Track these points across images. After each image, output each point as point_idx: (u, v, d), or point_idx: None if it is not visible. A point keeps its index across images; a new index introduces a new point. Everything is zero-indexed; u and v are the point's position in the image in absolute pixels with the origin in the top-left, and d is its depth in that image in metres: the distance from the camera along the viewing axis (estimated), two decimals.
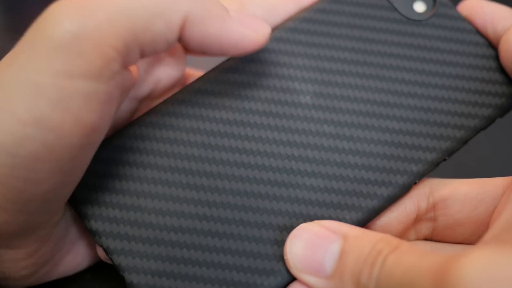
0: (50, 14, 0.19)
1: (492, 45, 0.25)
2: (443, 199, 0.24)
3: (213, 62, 0.26)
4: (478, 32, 0.26)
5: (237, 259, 0.22)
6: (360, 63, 0.25)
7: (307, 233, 0.22)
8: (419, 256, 0.19)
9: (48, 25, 0.19)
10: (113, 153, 0.23)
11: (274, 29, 0.26)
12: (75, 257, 0.25)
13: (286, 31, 0.25)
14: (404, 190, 0.23)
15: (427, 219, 0.25)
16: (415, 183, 0.24)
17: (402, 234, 0.24)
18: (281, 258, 0.22)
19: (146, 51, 0.21)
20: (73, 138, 0.19)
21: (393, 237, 0.21)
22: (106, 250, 0.22)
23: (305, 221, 0.22)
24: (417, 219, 0.24)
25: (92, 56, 0.19)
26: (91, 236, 0.23)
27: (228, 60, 0.25)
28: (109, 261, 0.23)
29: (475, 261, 0.17)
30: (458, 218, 0.24)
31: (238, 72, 0.25)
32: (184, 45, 0.22)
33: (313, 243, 0.21)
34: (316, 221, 0.22)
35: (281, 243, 0.22)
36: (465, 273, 0.16)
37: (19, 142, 0.19)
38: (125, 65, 0.20)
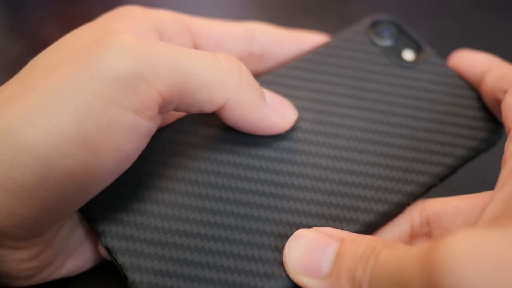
0: (118, 45, 0.20)
1: (472, 87, 0.28)
2: (435, 213, 0.25)
3: None
4: (460, 76, 0.29)
5: (238, 263, 0.22)
6: (356, 97, 0.27)
7: (305, 238, 0.22)
8: (410, 247, 0.19)
9: (115, 56, 0.20)
10: None
11: (279, 66, 0.28)
12: (78, 259, 0.25)
13: (289, 68, 0.28)
14: (398, 208, 0.25)
15: (422, 235, 0.25)
16: (409, 204, 0.25)
17: None
18: (281, 264, 0.22)
19: (180, 108, 0.22)
20: (109, 163, 0.20)
21: (389, 239, 0.21)
22: (110, 250, 0.22)
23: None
24: (413, 235, 0.25)
25: (144, 96, 0.20)
26: (95, 236, 0.23)
27: None
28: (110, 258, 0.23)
29: (460, 239, 0.17)
30: (451, 230, 0.24)
31: None
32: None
33: (310, 247, 0.22)
34: (314, 228, 0.23)
35: (281, 250, 0.23)
36: (450, 249, 0.17)
37: (59, 158, 0.19)
38: (161, 111, 0.21)
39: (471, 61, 0.28)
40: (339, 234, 0.22)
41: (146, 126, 0.21)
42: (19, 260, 0.22)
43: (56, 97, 0.19)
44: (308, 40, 0.29)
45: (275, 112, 0.25)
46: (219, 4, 0.43)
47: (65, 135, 0.19)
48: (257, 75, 0.28)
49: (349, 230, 0.23)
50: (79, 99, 0.19)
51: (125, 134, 0.20)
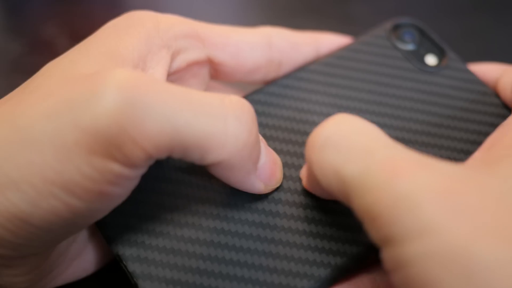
0: (109, 91, 0.19)
1: (497, 94, 0.28)
2: None
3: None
4: (483, 82, 0.28)
5: (252, 273, 0.22)
6: (377, 103, 0.27)
7: None
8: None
9: (101, 106, 0.18)
10: None
11: (299, 69, 0.28)
12: (75, 271, 0.25)
13: (308, 72, 0.28)
14: None
15: None
16: None
17: None
18: (296, 276, 0.22)
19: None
20: (96, 205, 0.20)
21: None
22: (121, 257, 0.22)
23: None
24: None
25: (128, 152, 0.19)
26: (107, 243, 0.23)
27: (250, 93, 0.27)
28: None
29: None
30: None
31: (261, 102, 0.27)
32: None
33: None
34: None
35: (296, 260, 0.22)
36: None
37: (42, 197, 0.19)
38: (149, 162, 0.20)
39: (483, 70, 0.28)
40: None
41: (135, 173, 0.20)
42: (13, 275, 0.21)
43: (39, 137, 0.19)
44: (324, 41, 0.29)
45: (260, 178, 0.23)
46: (219, 5, 0.43)
47: (46, 177, 0.19)
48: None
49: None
50: (60, 144, 0.19)
51: (110, 180, 0.19)
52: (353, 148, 0.19)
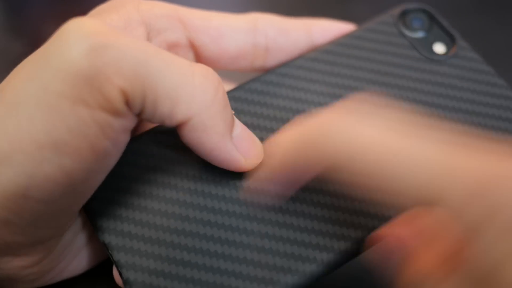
0: (78, 35, 0.19)
1: (510, 87, 0.26)
2: None
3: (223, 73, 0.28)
4: (496, 73, 0.27)
5: (236, 266, 0.22)
6: (381, 94, 0.26)
7: None
8: None
9: (75, 50, 0.19)
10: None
11: (298, 57, 0.27)
12: (81, 262, 0.25)
13: (308, 60, 0.27)
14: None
15: None
16: None
17: None
18: (280, 270, 0.22)
19: (142, 116, 0.21)
20: (88, 163, 0.19)
21: None
22: (106, 246, 0.22)
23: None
24: None
25: (108, 94, 0.19)
26: (94, 230, 0.23)
27: (247, 82, 0.26)
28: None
29: None
30: None
31: (258, 92, 0.26)
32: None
33: None
34: None
35: (281, 254, 0.22)
36: None
37: (36, 165, 0.19)
38: (130, 109, 0.20)
39: None
40: None
41: (120, 123, 0.20)
42: (22, 266, 0.22)
43: (24, 100, 0.19)
44: (318, 27, 0.28)
45: (238, 148, 0.23)
46: (218, 4, 0.43)
47: (36, 141, 0.19)
48: (265, 71, 0.27)
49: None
50: (44, 101, 0.19)
51: (99, 133, 0.19)
52: None
